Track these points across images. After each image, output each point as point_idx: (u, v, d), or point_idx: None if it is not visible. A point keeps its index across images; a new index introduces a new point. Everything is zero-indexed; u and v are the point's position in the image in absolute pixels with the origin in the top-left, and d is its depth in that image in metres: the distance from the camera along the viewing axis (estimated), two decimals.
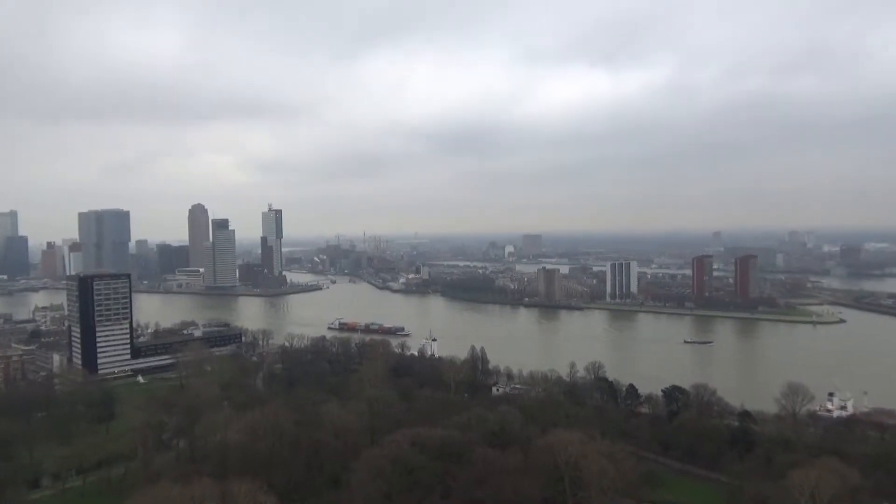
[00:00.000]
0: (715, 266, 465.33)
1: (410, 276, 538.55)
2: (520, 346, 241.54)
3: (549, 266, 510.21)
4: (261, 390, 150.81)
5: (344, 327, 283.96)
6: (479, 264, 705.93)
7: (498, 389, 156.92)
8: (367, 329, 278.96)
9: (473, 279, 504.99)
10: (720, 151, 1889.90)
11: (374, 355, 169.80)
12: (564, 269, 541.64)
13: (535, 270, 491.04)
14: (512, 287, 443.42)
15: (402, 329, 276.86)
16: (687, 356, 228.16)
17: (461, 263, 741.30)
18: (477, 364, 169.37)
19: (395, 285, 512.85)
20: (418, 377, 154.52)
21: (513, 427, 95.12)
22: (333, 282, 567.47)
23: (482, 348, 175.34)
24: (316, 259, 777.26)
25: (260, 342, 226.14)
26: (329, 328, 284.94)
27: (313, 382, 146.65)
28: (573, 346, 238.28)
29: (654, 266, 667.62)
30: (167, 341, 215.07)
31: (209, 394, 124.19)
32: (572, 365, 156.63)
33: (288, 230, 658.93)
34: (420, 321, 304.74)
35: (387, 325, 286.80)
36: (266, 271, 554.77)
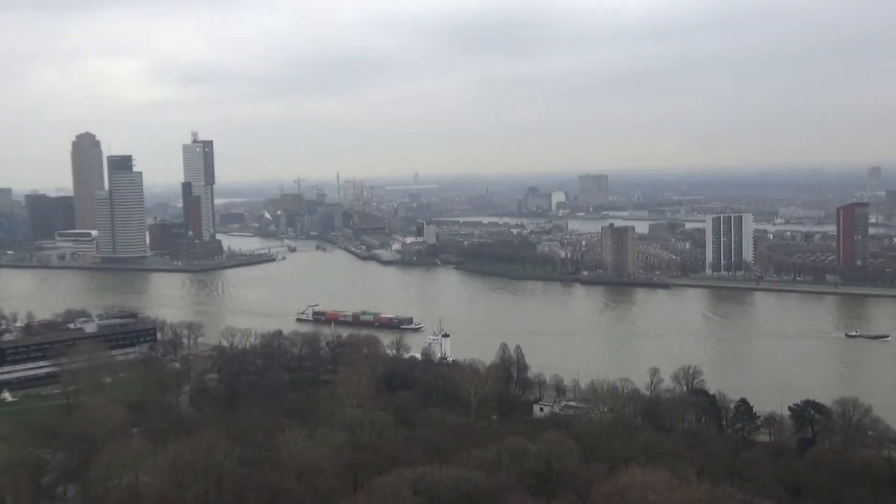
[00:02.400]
0: (871, 219, 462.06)
1: (409, 239, 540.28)
2: (575, 343, 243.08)
3: (618, 222, 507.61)
4: (187, 412, 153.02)
5: (320, 318, 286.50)
6: (513, 221, 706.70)
7: (542, 409, 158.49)
8: (358, 321, 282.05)
9: (504, 243, 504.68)
10: (878, 44, 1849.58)
11: (357, 359, 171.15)
12: (642, 227, 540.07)
13: (597, 229, 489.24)
14: (562, 255, 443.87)
15: (410, 321, 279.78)
16: (828, 357, 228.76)
17: (485, 220, 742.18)
18: (510, 371, 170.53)
19: (385, 254, 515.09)
20: (423, 391, 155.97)
21: (565, 464, 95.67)
22: (293, 249, 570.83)
23: (518, 348, 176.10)
24: (267, 216, 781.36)
25: (185, 341, 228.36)
26: (298, 319, 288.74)
27: (265, 400, 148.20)
28: (656, 343, 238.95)
29: (778, 220, 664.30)
30: (45, 340, 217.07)
31: (110, 418, 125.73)
32: (654, 371, 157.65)
33: (224, 172, 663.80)
34: (424, 308, 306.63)
35: (386, 314, 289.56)
36: (191, 234, 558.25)
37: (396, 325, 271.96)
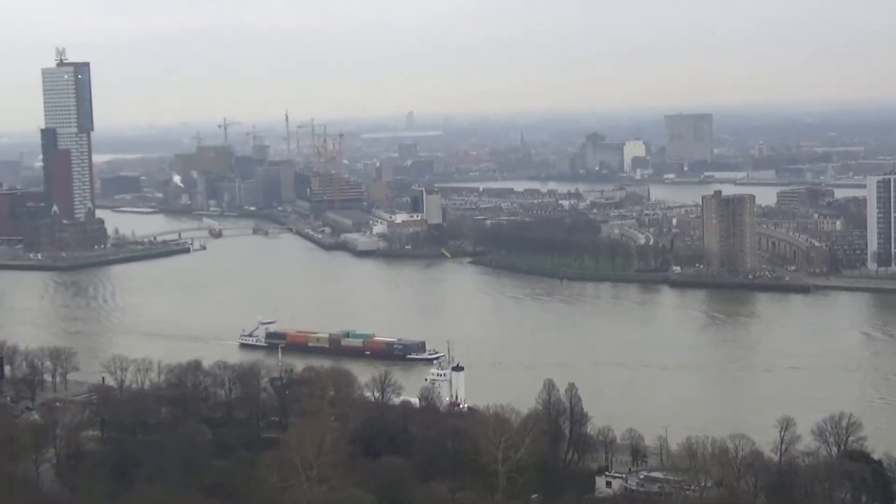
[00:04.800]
0: None
1: (399, 217, 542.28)
2: (661, 380, 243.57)
3: (729, 189, 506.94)
4: (51, 489, 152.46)
5: (279, 343, 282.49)
6: (564, 187, 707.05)
7: (610, 483, 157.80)
8: (338, 348, 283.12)
9: (549, 223, 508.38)
10: None
11: (319, 406, 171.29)
12: (767, 196, 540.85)
13: (695, 200, 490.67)
14: (642, 240, 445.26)
15: (422, 347, 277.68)
16: None
17: (519, 186, 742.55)
18: (559, 424, 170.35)
19: (362, 240, 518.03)
20: (422, 456, 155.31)
21: None
22: (217, 234, 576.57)
23: (571, 387, 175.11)
24: (175, 181, 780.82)
25: (48, 378, 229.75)
26: (243, 345, 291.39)
27: (174, 470, 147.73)
28: (788, 379, 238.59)
29: None
30: None
31: None
32: (786, 424, 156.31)
33: (108, 113, 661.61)
34: (423, 326, 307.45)
35: (383, 336, 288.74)
36: (57, 211, 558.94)
37: (400, 354, 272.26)
